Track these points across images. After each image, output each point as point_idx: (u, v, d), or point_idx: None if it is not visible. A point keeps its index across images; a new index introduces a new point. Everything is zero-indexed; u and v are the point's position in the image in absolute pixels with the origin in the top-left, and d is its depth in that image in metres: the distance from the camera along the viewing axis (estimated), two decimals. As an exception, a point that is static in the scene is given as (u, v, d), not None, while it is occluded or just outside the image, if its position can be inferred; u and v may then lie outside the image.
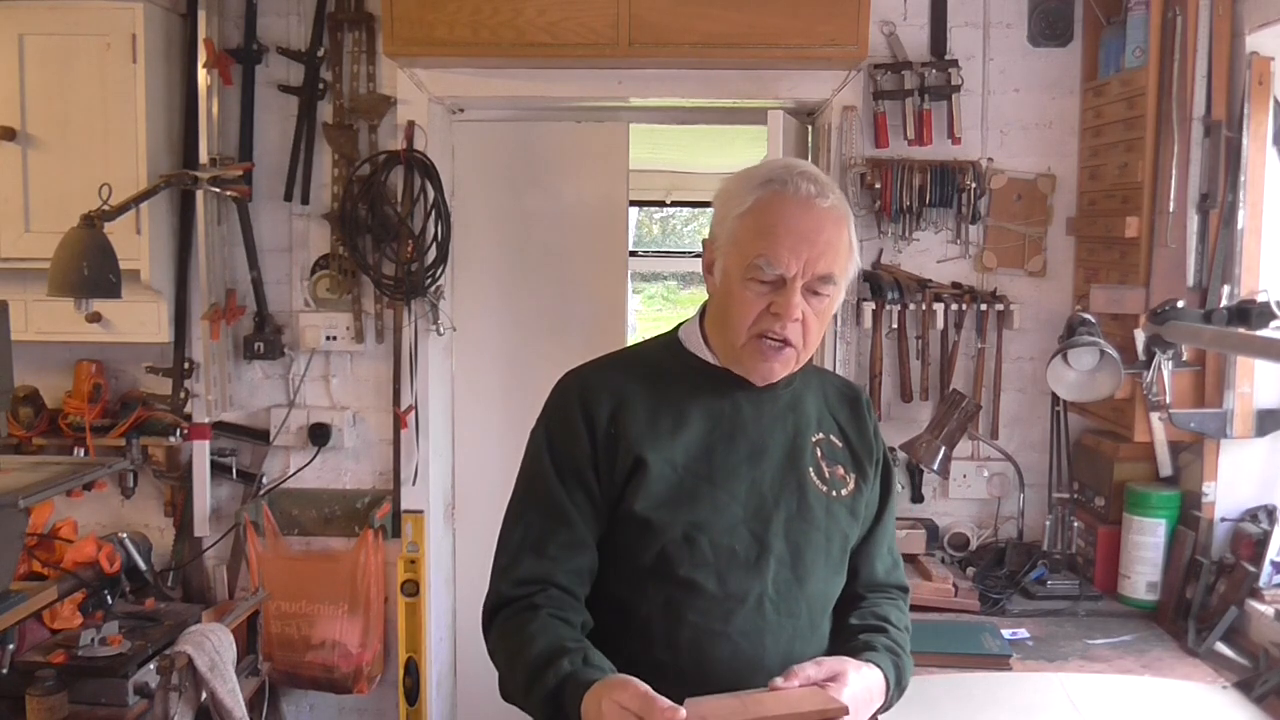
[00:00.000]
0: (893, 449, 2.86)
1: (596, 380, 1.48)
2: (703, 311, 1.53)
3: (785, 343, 1.40)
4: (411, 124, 2.86)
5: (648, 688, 1.19)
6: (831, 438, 1.53)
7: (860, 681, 1.34)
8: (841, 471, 1.51)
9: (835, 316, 2.82)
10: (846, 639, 1.48)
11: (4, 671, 2.16)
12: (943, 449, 2.62)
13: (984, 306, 2.81)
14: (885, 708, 1.43)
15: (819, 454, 1.50)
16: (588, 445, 1.42)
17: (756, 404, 1.48)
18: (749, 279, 1.39)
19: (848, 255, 1.42)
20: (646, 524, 1.39)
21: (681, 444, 1.43)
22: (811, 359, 1.51)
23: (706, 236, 1.50)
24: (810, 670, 1.31)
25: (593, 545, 1.43)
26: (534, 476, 1.46)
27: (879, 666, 1.40)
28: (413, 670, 2.97)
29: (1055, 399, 2.66)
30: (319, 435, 2.96)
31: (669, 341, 1.55)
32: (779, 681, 1.28)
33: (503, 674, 1.41)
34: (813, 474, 1.48)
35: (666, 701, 1.16)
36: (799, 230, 1.37)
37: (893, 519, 1.62)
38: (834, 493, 1.49)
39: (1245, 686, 2.08)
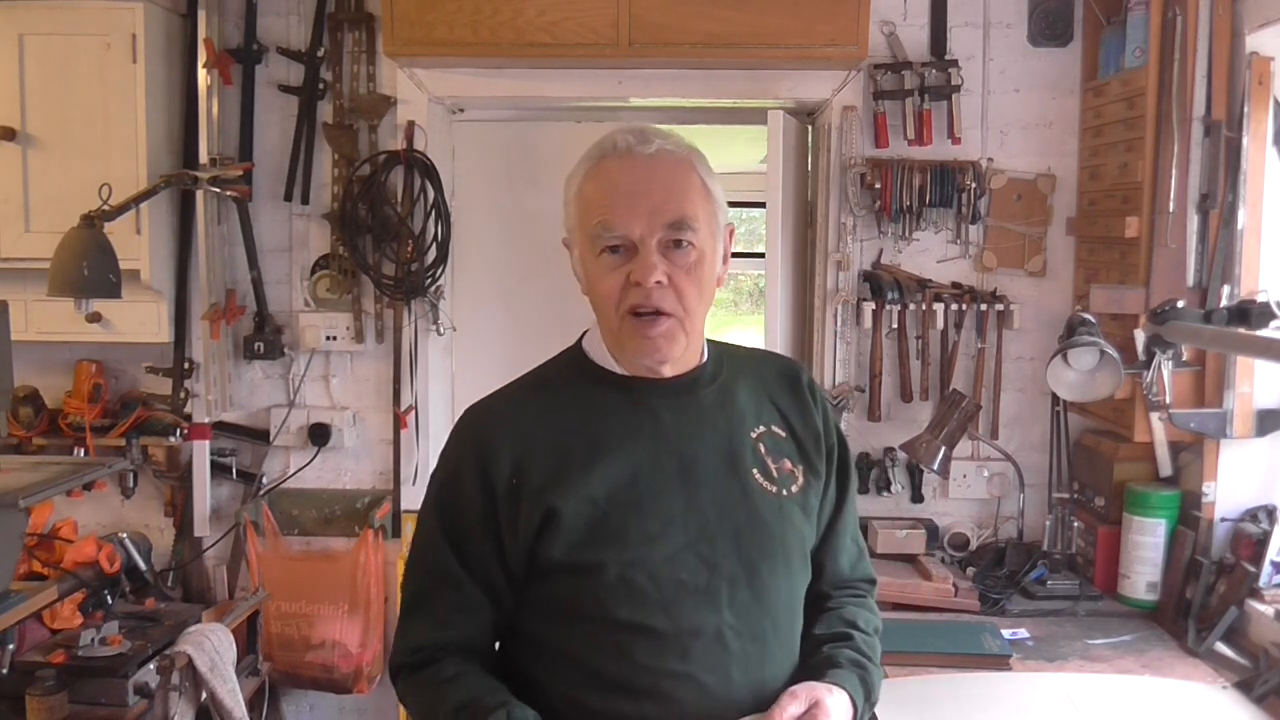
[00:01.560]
0: (892, 449, 2.86)
1: (496, 424, 1.36)
2: None
3: (659, 313, 1.28)
4: (411, 124, 2.86)
5: None
6: (774, 429, 1.40)
7: (834, 715, 1.26)
8: (789, 465, 1.38)
9: (835, 316, 2.83)
10: (811, 651, 1.38)
11: (4, 671, 2.15)
12: (943, 449, 2.62)
13: (984, 306, 2.81)
14: None
15: (761, 450, 1.37)
16: (481, 503, 1.31)
17: (677, 410, 1.35)
18: (600, 253, 1.29)
19: (702, 196, 1.30)
20: (572, 570, 1.28)
21: (599, 476, 1.30)
22: (746, 347, 1.44)
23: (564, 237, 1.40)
24: (792, 709, 1.24)
25: (489, 603, 1.33)
26: (423, 536, 1.37)
27: (844, 687, 1.30)
28: (413, 670, 2.97)
29: (1055, 399, 2.66)
30: (319, 435, 2.95)
31: (574, 357, 1.43)
32: None
33: None
34: (757, 475, 1.36)
35: None
36: (628, 184, 1.27)
37: (854, 507, 1.50)
38: (784, 491, 1.37)
39: (1245, 686, 2.08)
